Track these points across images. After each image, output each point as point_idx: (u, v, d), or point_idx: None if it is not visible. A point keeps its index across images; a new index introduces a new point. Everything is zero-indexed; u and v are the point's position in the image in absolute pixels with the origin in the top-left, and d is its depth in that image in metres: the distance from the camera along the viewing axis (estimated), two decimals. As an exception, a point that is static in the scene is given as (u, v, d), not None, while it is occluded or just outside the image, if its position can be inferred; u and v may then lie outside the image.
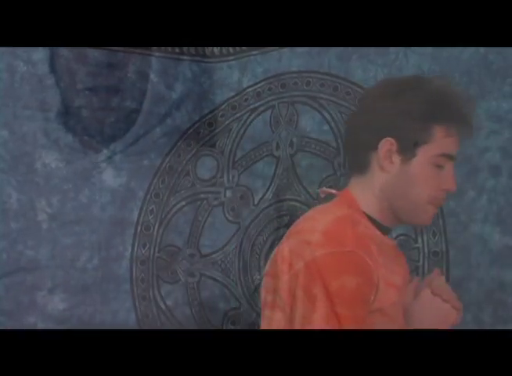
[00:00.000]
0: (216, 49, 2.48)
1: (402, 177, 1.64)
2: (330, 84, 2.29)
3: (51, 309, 2.36)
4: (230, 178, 2.44)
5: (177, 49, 2.47)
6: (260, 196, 2.37)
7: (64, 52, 2.43)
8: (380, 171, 1.64)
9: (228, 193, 2.43)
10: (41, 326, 2.35)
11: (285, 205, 2.35)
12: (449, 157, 1.65)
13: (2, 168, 2.33)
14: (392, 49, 2.19)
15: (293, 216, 2.32)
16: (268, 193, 2.37)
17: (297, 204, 2.33)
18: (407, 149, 1.62)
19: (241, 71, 2.45)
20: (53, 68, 2.42)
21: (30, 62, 2.40)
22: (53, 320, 2.36)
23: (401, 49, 2.17)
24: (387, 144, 1.61)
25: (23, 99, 2.39)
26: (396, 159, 1.62)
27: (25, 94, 2.40)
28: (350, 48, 2.24)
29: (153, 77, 2.45)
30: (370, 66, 2.22)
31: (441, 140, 1.64)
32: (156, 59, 2.44)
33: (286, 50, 2.37)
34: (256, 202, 2.39)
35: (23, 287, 2.34)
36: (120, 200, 2.44)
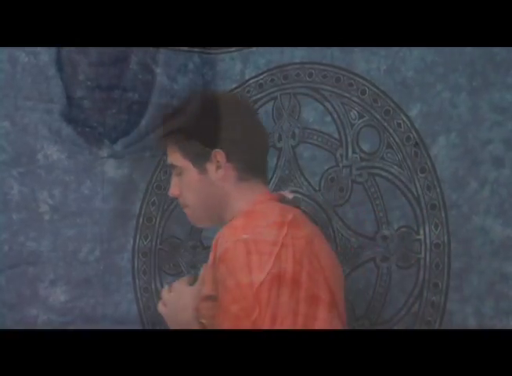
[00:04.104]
0: (218, 40, 2.49)
1: None
2: (333, 76, 2.29)
3: (52, 301, 2.38)
4: (231, 170, 2.44)
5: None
6: None
7: (66, 43, 2.44)
8: None
9: (230, 185, 2.44)
10: (42, 318, 2.37)
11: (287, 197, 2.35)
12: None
13: (4, 160, 2.36)
14: (395, 40, 2.17)
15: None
16: (270, 184, 2.36)
17: (299, 196, 2.33)
18: None
19: (243, 63, 2.45)
20: (55, 59, 2.42)
21: (32, 52, 2.41)
22: (55, 312, 2.38)
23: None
24: None
25: (24, 90, 2.40)
26: None
27: (27, 85, 2.40)
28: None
29: (155, 68, 2.46)
30: (373, 57, 2.21)
31: None
32: (158, 51, 2.45)
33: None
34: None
35: (25, 279, 2.36)
36: (122, 192, 2.45)
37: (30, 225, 2.35)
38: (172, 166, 2.06)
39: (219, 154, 1.98)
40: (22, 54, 2.40)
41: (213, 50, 2.49)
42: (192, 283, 1.92)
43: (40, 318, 2.36)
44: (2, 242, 2.35)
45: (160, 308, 1.95)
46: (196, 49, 2.48)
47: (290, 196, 2.12)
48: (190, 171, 2.01)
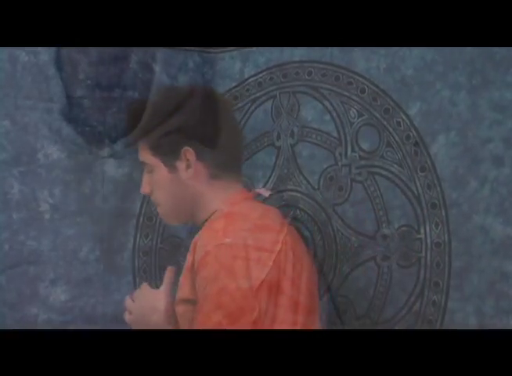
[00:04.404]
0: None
1: None
2: (332, 74, 2.30)
3: (53, 300, 2.40)
4: (231, 168, 2.46)
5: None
6: (260, 186, 2.38)
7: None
8: None
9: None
10: (42, 317, 2.39)
11: (285, 195, 2.36)
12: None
13: (4, 159, 2.37)
14: (395, 39, 2.18)
15: (293, 206, 2.35)
16: (269, 183, 2.39)
17: (298, 195, 2.35)
18: None
19: (243, 62, 2.47)
20: (55, 58, 2.45)
21: (32, 52, 2.42)
22: (55, 311, 2.40)
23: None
24: None
25: (24, 89, 2.42)
26: None
27: (27, 84, 2.42)
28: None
29: (155, 66, 2.48)
30: (373, 56, 2.22)
31: None
32: (158, 50, 2.48)
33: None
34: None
35: (25, 278, 2.38)
36: (123, 191, 2.47)
37: (30, 224, 2.37)
38: (143, 163, 2.06)
39: (189, 152, 1.97)
40: (22, 53, 2.41)
41: (213, 49, 2.51)
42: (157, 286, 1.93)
43: (40, 317, 2.38)
44: (3, 241, 2.37)
45: (126, 317, 1.94)
46: (196, 49, 2.50)
47: (267, 194, 2.12)
48: (160, 169, 2.00)
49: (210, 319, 1.82)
